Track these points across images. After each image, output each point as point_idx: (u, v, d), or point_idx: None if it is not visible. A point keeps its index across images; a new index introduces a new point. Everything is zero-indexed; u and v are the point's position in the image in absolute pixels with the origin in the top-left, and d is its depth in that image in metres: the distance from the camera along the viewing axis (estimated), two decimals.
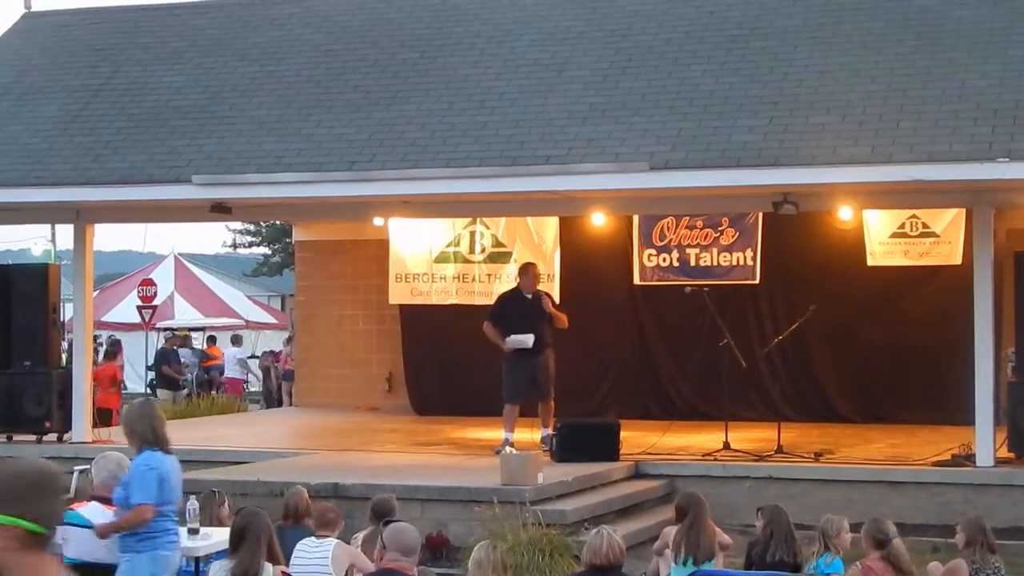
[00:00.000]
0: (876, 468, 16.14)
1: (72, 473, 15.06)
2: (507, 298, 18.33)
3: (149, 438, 9.91)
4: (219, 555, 10.41)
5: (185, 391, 30.88)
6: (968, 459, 15.92)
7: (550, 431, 17.11)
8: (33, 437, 18.96)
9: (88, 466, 11.35)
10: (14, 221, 21.20)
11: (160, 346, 34.00)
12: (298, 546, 10.72)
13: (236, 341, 37.35)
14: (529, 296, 17.84)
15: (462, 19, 19.43)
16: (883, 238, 19.88)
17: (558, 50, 18.21)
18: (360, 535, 11.44)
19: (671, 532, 11.54)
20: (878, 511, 12.76)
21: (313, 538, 10.86)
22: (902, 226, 19.76)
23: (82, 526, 9.94)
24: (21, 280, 19.83)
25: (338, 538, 10.99)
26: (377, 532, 10.68)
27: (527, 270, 18.22)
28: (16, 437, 19.05)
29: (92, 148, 18.26)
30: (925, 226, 19.68)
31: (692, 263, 20.69)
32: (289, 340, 35.53)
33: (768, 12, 18.02)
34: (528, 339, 17.48)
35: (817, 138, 15.59)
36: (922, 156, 15.02)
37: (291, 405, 28.23)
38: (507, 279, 21.07)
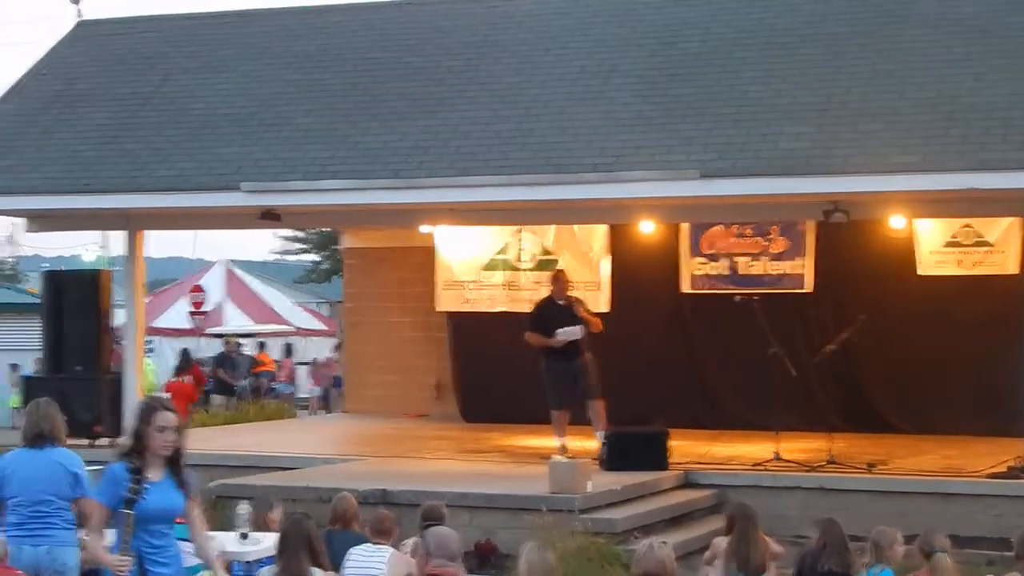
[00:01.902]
0: (930, 480, 15.97)
1: None
2: (542, 306, 18.51)
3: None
4: (270, 560, 10.44)
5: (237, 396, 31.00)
6: None
7: (606, 432, 17.15)
8: (85, 441, 19.04)
9: None
10: (65, 228, 21.33)
11: (219, 351, 34.12)
12: (352, 552, 10.71)
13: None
14: (562, 302, 18.01)
15: (508, 27, 19.42)
16: (935, 247, 19.70)
17: (605, 57, 18.17)
18: (409, 542, 11.42)
19: (721, 543, 11.48)
20: (931, 523, 12.64)
21: (368, 544, 10.85)
22: (955, 235, 19.58)
23: None
24: (73, 286, 19.97)
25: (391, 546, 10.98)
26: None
27: (557, 277, 18.43)
28: (68, 441, 19.08)
29: (142, 155, 18.36)
30: (979, 235, 19.50)
31: (741, 272, 20.59)
32: (338, 347, 35.62)
33: (816, 19, 17.93)
34: (576, 330, 17.65)
35: (867, 146, 15.50)
36: (974, 164, 14.92)
37: (340, 411, 28.28)
38: None
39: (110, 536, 8.90)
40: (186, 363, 27.89)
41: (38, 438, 10.39)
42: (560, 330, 17.72)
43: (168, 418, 8.36)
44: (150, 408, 8.43)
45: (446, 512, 11.60)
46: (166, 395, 21.13)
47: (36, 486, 10.24)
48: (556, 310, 18.00)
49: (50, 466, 10.30)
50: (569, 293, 18.19)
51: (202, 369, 29.74)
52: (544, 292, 20.54)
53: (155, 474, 8.32)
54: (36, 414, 10.55)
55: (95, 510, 8.39)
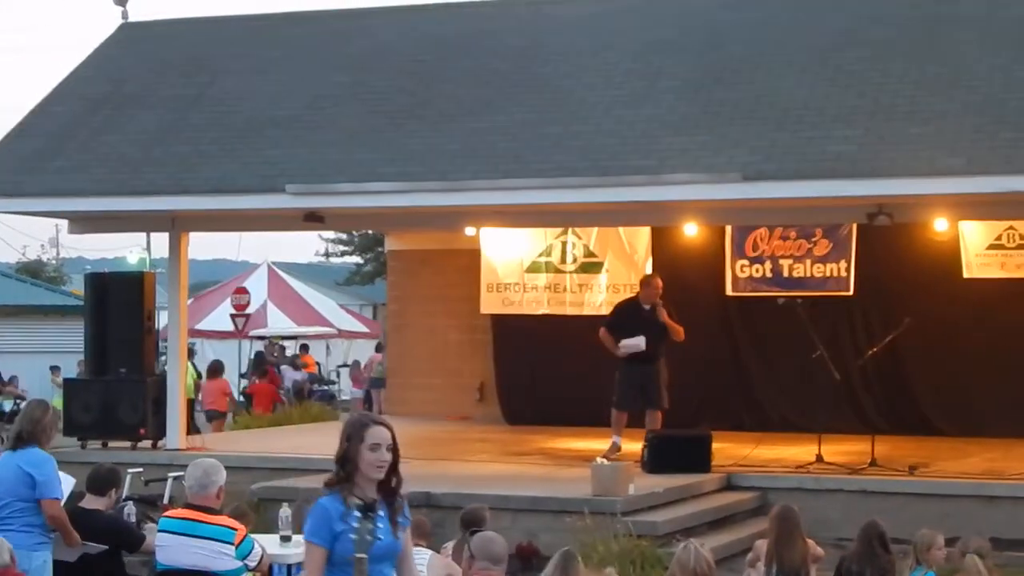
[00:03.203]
0: (972, 482, 15.94)
1: (166, 480, 15.19)
2: (624, 307, 18.57)
3: None
4: None
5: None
6: None
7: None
8: (128, 444, 19.13)
9: (182, 473, 11.45)
10: (110, 229, 21.42)
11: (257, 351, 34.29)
12: None
13: None
14: (647, 307, 17.99)
15: (555, 29, 19.42)
16: (979, 250, 19.65)
17: (651, 60, 18.16)
18: (449, 545, 11.45)
19: (763, 545, 11.46)
20: (974, 526, 12.60)
21: None
22: (999, 237, 19.54)
23: (176, 533, 10.01)
24: (117, 288, 20.01)
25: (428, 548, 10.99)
26: (465, 542, 10.69)
27: (649, 282, 18.41)
28: (111, 443, 19.23)
29: (187, 157, 18.42)
30: (1022, 237, 19.44)
31: (785, 274, 20.56)
32: (378, 347, 35.69)
33: (864, 23, 17.87)
34: (640, 341, 17.72)
35: (913, 149, 15.44)
36: (1020, 167, 14.84)
37: (381, 413, 28.35)
38: (598, 289, 21.05)
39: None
40: (261, 365, 28.34)
41: (16, 440, 10.42)
42: (623, 342, 17.75)
43: (381, 434, 7.04)
44: (359, 424, 7.12)
45: (488, 515, 11.61)
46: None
47: None
48: (638, 313, 18.01)
49: (12, 468, 10.31)
50: (658, 300, 18.13)
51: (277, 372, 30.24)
52: (587, 294, 20.66)
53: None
54: (22, 417, 10.60)
55: (267, 555, 7.34)
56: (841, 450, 17.38)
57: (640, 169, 16.20)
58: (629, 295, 19.35)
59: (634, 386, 17.83)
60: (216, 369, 28.19)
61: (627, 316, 18.14)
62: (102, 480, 11.24)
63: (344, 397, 37.60)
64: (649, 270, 20.81)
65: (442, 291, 23.90)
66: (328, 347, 43.61)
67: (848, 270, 20.22)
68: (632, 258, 21.12)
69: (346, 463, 6.97)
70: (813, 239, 20.39)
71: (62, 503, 10.53)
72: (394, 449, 7.00)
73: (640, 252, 21.12)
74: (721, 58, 17.87)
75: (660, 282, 18.53)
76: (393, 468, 7.00)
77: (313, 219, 18.05)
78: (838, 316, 20.48)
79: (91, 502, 11.10)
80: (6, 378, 33.33)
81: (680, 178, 15.97)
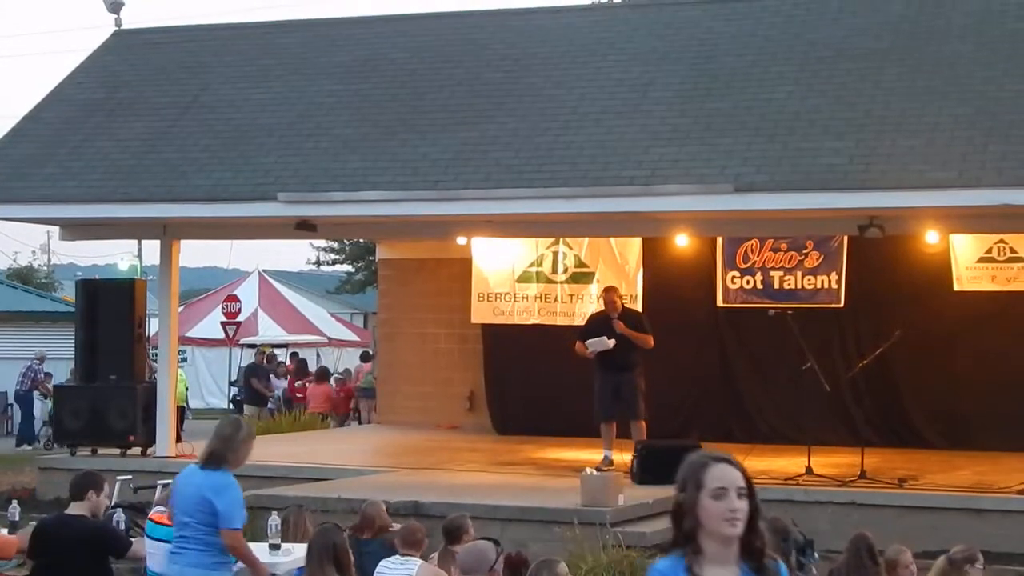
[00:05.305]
0: (961, 495, 15.94)
1: (155, 487, 15.17)
2: (596, 318, 18.73)
3: None
4: (300, 571, 10.46)
5: (269, 407, 31.08)
6: None
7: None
8: (117, 450, 19.11)
9: (171, 480, 11.43)
10: (100, 236, 21.41)
11: (249, 361, 34.22)
12: (381, 564, 10.72)
13: None
14: (615, 317, 18.12)
15: (547, 39, 19.44)
16: (970, 263, 19.66)
17: (643, 71, 18.18)
18: (435, 555, 11.43)
19: None
20: (963, 539, 12.57)
21: (397, 556, 10.86)
22: (989, 251, 19.55)
23: (165, 540, 9.99)
24: (108, 295, 20.04)
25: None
26: (449, 552, 10.70)
27: (604, 294, 18.73)
28: (101, 450, 19.22)
29: (179, 165, 18.41)
30: (1013, 251, 19.45)
31: (776, 286, 20.56)
32: (363, 357, 35.64)
33: (856, 34, 17.90)
34: (603, 342, 17.86)
35: (904, 161, 15.46)
36: (1011, 180, 14.87)
37: (370, 422, 28.32)
38: (589, 300, 21.06)
39: None
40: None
41: (206, 459, 10.06)
42: (588, 342, 17.87)
43: (727, 475, 5.29)
44: (696, 464, 5.43)
45: (469, 524, 11.58)
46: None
47: (181, 505, 10.04)
48: (608, 323, 18.18)
49: (193, 488, 9.89)
50: (616, 309, 18.24)
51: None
52: (578, 305, 20.75)
53: (719, 571, 5.25)
54: (213, 434, 10.27)
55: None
56: (831, 462, 17.38)
57: (631, 180, 16.22)
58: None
59: (610, 393, 17.95)
60: (323, 374, 31.26)
61: (598, 326, 18.31)
62: (78, 485, 11.09)
63: None
64: (640, 281, 20.85)
65: (433, 300, 23.91)
66: (319, 355, 43.60)
67: (839, 282, 20.23)
68: (623, 268, 21.13)
69: (684, 518, 5.36)
70: (804, 251, 20.41)
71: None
72: (750, 495, 5.25)
73: (631, 263, 21.13)
74: (713, 69, 17.89)
75: (616, 294, 18.70)
76: (751, 521, 5.25)
77: (305, 227, 18.05)
78: (829, 328, 20.48)
79: (75, 508, 11.05)
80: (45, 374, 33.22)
81: (671, 189, 15.99)
